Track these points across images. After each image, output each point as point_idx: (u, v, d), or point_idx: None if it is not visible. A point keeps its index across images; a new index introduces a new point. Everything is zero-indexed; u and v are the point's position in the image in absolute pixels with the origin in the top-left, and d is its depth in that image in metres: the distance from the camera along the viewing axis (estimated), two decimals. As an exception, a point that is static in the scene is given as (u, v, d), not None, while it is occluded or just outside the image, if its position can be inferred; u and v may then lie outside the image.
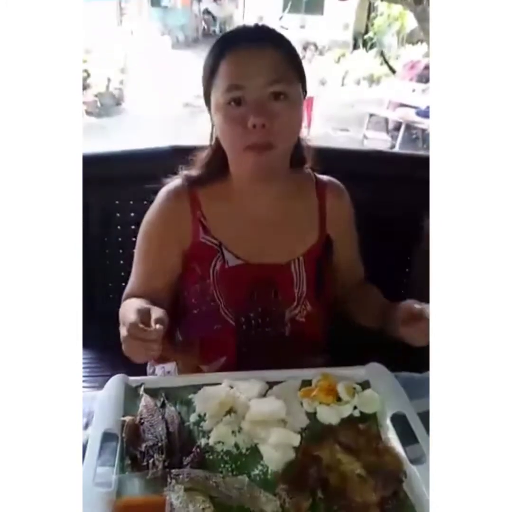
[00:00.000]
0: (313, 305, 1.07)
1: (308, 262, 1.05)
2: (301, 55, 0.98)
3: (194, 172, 1.04)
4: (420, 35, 8.94)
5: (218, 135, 0.96)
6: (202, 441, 0.76)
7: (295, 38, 0.97)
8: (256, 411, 0.79)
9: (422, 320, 0.85)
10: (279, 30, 0.96)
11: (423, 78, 7.74)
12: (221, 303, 1.03)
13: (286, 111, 0.89)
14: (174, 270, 1.05)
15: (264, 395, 0.84)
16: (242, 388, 0.84)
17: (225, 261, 1.01)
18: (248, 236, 1.03)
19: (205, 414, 0.80)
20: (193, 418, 0.80)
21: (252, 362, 1.00)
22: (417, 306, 0.88)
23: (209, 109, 0.96)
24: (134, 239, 1.08)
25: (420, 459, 0.72)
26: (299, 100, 0.92)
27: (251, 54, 0.88)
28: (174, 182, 1.04)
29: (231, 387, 0.84)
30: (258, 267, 1.02)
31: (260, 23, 0.96)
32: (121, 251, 1.45)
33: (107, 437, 0.74)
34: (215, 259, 1.01)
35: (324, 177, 1.10)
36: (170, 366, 1.13)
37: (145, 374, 1.15)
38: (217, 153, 0.99)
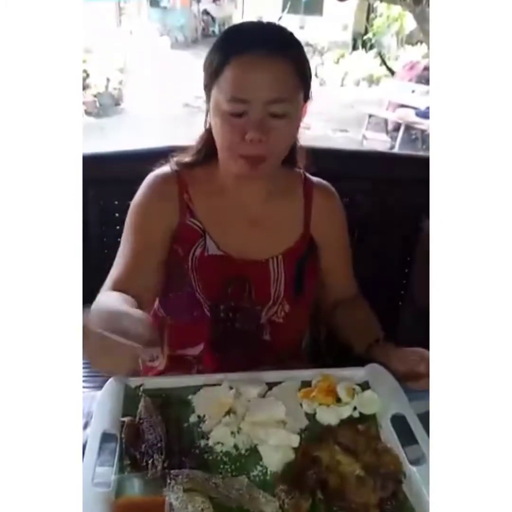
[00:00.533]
0: (292, 306, 1.06)
1: (287, 261, 1.03)
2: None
3: (186, 157, 1.04)
4: (419, 36, 8.97)
5: (213, 132, 0.94)
6: (202, 442, 0.76)
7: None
8: (256, 412, 0.78)
9: (425, 376, 0.82)
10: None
11: (423, 79, 7.76)
12: (197, 290, 1.02)
13: (284, 128, 0.90)
14: (161, 250, 1.01)
15: (263, 396, 0.84)
16: (241, 389, 0.84)
17: (205, 248, 1.01)
18: (231, 229, 1.02)
19: (204, 415, 0.80)
20: (192, 418, 0.80)
21: (229, 355, 0.99)
22: (421, 362, 0.85)
23: (208, 99, 0.93)
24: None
25: (419, 460, 0.72)
26: (298, 115, 0.93)
27: (257, 63, 0.85)
28: (163, 167, 1.04)
29: (231, 388, 0.84)
30: (236, 261, 1.01)
31: (266, 20, 0.93)
32: (120, 251, 1.45)
33: (106, 437, 0.74)
34: (197, 244, 1.01)
35: (314, 178, 1.09)
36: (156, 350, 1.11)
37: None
38: (211, 136, 0.97)
